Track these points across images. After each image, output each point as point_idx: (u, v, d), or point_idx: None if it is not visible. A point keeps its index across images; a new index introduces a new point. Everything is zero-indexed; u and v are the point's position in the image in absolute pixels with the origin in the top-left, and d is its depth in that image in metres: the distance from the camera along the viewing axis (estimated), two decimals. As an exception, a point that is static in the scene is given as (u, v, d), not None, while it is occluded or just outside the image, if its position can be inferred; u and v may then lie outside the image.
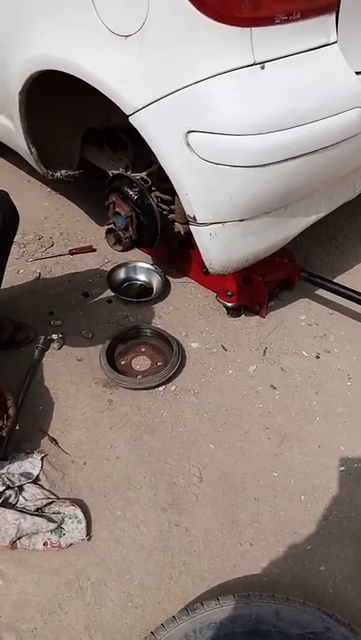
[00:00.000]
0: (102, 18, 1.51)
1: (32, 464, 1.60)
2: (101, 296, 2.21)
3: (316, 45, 1.49)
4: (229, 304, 2.09)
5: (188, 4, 1.35)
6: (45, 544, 1.45)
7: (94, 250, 2.42)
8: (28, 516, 1.46)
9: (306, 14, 1.42)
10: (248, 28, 1.36)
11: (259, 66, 1.41)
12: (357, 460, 1.68)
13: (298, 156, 1.49)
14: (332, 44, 1.52)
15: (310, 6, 1.42)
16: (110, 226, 2.19)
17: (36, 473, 1.58)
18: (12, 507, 1.49)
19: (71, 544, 1.46)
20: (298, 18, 1.41)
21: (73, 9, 1.58)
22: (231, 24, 1.35)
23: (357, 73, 1.57)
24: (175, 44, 1.42)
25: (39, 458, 1.62)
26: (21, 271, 2.29)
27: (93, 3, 1.51)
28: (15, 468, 1.58)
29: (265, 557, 1.46)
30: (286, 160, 1.47)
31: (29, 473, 1.58)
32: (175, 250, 2.19)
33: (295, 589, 1.39)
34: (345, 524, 1.53)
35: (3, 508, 1.47)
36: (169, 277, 2.28)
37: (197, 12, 1.35)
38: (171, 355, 1.92)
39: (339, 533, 1.51)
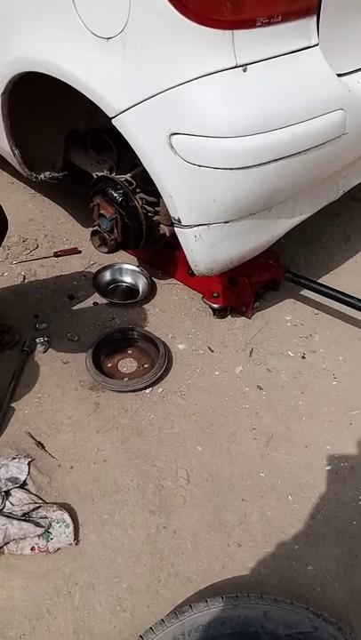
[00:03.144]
0: (84, 20, 1.51)
1: (19, 469, 1.59)
2: (87, 298, 2.20)
3: (297, 48, 1.50)
4: (215, 305, 2.10)
5: (170, 6, 1.35)
6: (33, 549, 1.44)
7: (79, 252, 2.41)
8: (15, 522, 1.45)
9: (287, 17, 1.43)
10: (230, 31, 1.36)
11: (241, 68, 1.41)
12: (344, 459, 1.69)
13: (281, 158, 1.49)
14: (314, 46, 1.53)
15: (291, 9, 1.43)
16: (95, 228, 2.18)
17: (23, 478, 1.57)
18: (0, 510, 1.48)
19: (59, 548, 1.45)
20: (279, 21, 1.41)
21: (54, 11, 1.58)
22: (213, 27, 1.35)
23: (339, 75, 1.58)
24: (157, 46, 1.42)
25: (26, 462, 1.61)
26: (6, 274, 2.28)
27: (75, 5, 1.50)
28: (2, 473, 1.57)
29: (253, 558, 1.46)
30: (270, 162, 1.48)
31: (16, 478, 1.57)
32: (160, 251, 2.19)
33: (283, 589, 1.39)
34: (332, 523, 1.54)
35: (-11, 514, 1.46)
36: (155, 279, 2.28)
37: (179, 14, 1.35)
38: (157, 357, 1.92)
39: (326, 533, 1.52)
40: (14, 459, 1.62)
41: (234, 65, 1.41)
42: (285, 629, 1.20)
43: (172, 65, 1.42)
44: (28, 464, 1.61)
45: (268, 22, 1.39)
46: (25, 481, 1.58)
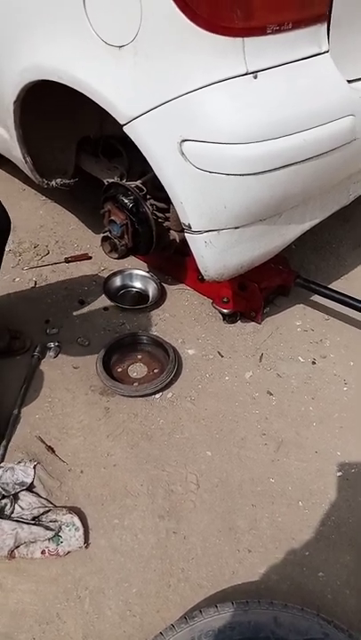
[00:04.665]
0: (95, 28, 1.53)
1: (25, 472, 1.60)
2: (97, 304, 2.21)
3: (308, 55, 1.51)
4: (225, 310, 2.10)
5: (181, 14, 1.36)
6: (43, 552, 1.44)
7: (90, 258, 2.43)
8: (25, 526, 1.46)
9: (298, 24, 1.43)
10: (240, 38, 1.37)
11: (251, 75, 1.42)
12: (354, 465, 1.68)
13: (291, 164, 1.50)
14: (324, 53, 1.53)
15: (302, 16, 1.44)
16: (106, 234, 2.20)
17: (29, 481, 1.58)
18: (9, 516, 1.49)
19: (69, 552, 1.45)
20: (290, 28, 1.42)
21: (66, 20, 1.60)
22: (223, 34, 1.36)
23: (349, 81, 1.59)
24: (168, 53, 1.44)
25: (31, 466, 1.62)
26: (17, 279, 2.30)
27: (86, 14, 1.52)
28: (8, 476, 1.58)
29: (263, 564, 1.46)
30: (280, 168, 1.49)
31: (22, 481, 1.57)
32: (171, 257, 2.20)
33: (294, 596, 1.39)
34: (343, 529, 1.53)
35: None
36: (165, 285, 2.29)
37: (190, 22, 1.36)
38: (167, 362, 1.92)
39: (336, 539, 1.51)
40: (19, 462, 1.63)
41: (244, 72, 1.42)
42: (296, 635, 1.19)
43: (183, 72, 1.43)
44: (34, 467, 1.62)
45: (279, 29, 1.40)
46: (32, 484, 1.58)
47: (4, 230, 1.71)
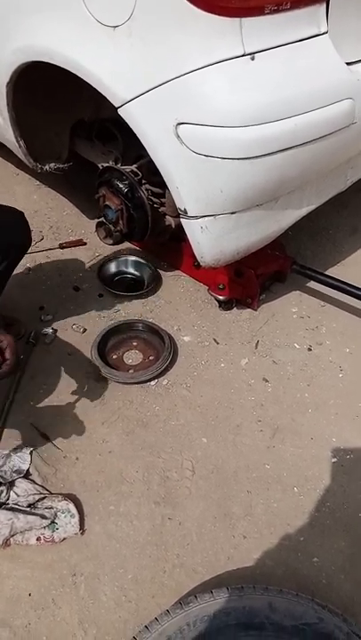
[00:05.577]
0: (90, 8, 1.49)
1: (21, 459, 1.59)
2: (92, 290, 2.20)
3: (306, 36, 1.48)
4: (221, 297, 2.09)
5: (177, -7, 1.33)
6: (39, 539, 1.44)
7: (85, 243, 2.40)
8: (20, 515, 1.45)
9: (296, 4, 1.40)
10: (237, 19, 1.34)
11: (249, 57, 1.39)
12: (349, 451, 1.69)
13: (289, 148, 1.48)
14: (323, 34, 1.50)
15: (301, -4, 1.41)
16: (101, 219, 2.17)
17: (25, 467, 1.58)
18: (4, 503, 1.48)
19: (64, 538, 1.45)
20: (288, 8, 1.39)
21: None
22: (220, 14, 1.33)
23: (348, 64, 1.56)
24: (164, 34, 1.40)
25: (28, 452, 1.61)
26: (11, 265, 2.27)
27: (81, -8, 1.49)
28: (4, 463, 1.57)
29: (258, 550, 1.46)
30: (277, 152, 1.46)
31: (20, 468, 1.57)
32: (166, 243, 2.18)
33: (289, 581, 1.39)
34: (337, 515, 1.54)
35: (-5, 508, 1.47)
36: (160, 271, 2.27)
37: (186, 1, 1.33)
38: (163, 348, 1.91)
39: (331, 524, 1.52)
40: (16, 449, 1.62)
41: (242, 53, 1.39)
42: (291, 620, 1.20)
43: (179, 53, 1.40)
44: (30, 453, 1.61)
45: (277, 9, 1.37)
46: (28, 470, 1.58)
47: (22, 245, 1.70)
